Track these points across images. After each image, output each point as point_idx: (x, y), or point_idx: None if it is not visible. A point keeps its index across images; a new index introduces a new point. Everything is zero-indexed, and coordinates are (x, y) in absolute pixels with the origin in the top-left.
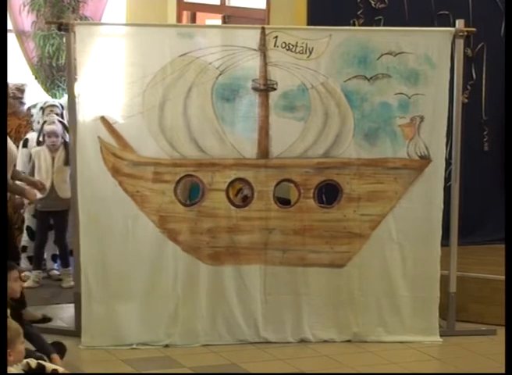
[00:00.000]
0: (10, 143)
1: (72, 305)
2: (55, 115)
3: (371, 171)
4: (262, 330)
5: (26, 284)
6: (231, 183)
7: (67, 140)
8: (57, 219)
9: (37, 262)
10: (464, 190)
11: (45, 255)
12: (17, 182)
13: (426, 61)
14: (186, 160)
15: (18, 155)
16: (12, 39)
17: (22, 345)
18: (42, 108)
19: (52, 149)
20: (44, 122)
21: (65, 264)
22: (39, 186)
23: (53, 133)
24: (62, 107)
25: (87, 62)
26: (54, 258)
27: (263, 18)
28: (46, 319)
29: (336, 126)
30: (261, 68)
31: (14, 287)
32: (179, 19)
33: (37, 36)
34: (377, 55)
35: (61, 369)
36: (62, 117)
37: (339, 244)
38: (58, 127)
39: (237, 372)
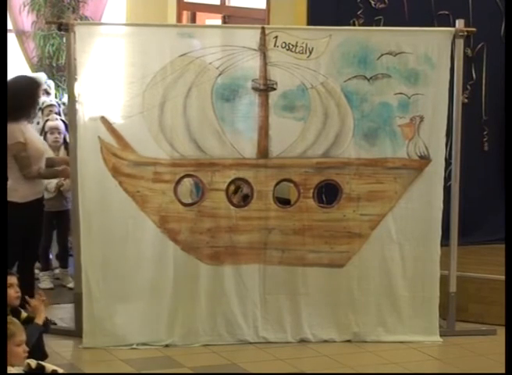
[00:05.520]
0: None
1: (72, 305)
2: (54, 114)
3: (371, 171)
4: (262, 329)
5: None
6: (231, 183)
7: (67, 139)
8: (61, 218)
9: (46, 262)
10: (464, 190)
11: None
12: None
13: (426, 61)
14: (185, 160)
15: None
16: (12, 39)
17: (19, 348)
18: (41, 109)
19: (55, 147)
20: (46, 120)
21: (64, 265)
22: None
23: (56, 129)
24: (59, 105)
25: (87, 62)
26: (58, 257)
27: (263, 18)
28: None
29: (335, 126)
30: (261, 68)
31: (8, 293)
32: (179, 19)
33: (37, 36)
34: (377, 55)
35: (60, 370)
36: (60, 116)
37: (339, 243)
38: (60, 123)
39: (237, 372)
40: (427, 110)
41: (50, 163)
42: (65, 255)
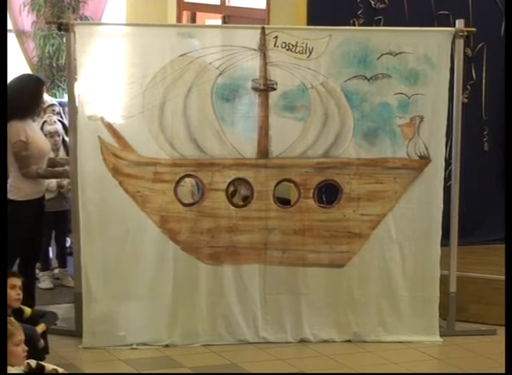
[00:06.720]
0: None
1: (72, 305)
2: (54, 116)
3: (371, 171)
4: (262, 329)
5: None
6: (231, 183)
7: (66, 139)
8: (60, 218)
9: (46, 262)
10: (463, 190)
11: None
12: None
13: (426, 61)
14: (186, 160)
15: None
16: (12, 39)
17: (18, 348)
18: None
19: (54, 149)
20: (44, 122)
21: (63, 264)
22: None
23: (55, 133)
24: (60, 105)
25: (87, 62)
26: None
27: (263, 18)
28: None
29: (335, 126)
30: (261, 68)
31: (9, 293)
32: (179, 19)
33: (37, 36)
34: (377, 55)
35: (60, 370)
36: (60, 116)
37: (339, 244)
38: (59, 127)
39: (237, 372)
40: (427, 110)
41: (51, 164)
42: (64, 255)
